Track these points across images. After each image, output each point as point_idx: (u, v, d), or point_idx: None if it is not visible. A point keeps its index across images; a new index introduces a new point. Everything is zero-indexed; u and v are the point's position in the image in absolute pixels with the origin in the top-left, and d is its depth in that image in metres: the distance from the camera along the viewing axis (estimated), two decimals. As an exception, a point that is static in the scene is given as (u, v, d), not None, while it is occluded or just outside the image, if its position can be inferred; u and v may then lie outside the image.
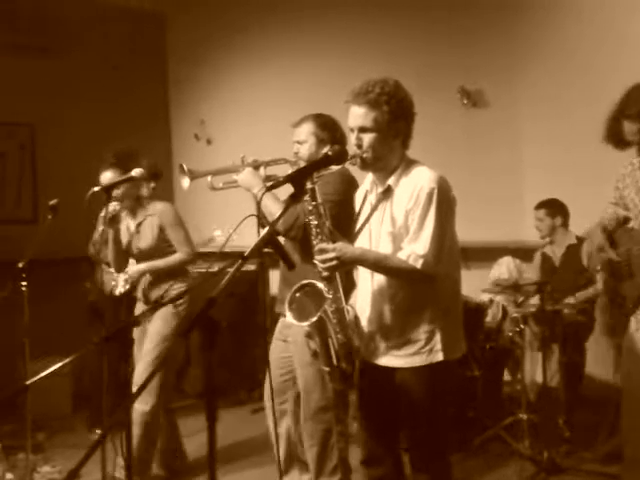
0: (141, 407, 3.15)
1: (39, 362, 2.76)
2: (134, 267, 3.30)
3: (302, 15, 5.29)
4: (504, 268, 4.51)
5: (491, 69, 4.79)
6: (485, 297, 4.25)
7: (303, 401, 2.78)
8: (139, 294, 3.35)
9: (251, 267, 4.64)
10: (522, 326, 3.72)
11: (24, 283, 3.12)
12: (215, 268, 2.58)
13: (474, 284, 4.15)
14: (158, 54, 5.85)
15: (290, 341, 2.80)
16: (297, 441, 2.94)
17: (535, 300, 3.78)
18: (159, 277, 3.32)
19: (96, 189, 2.80)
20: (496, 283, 4.16)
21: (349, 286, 2.23)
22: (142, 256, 3.33)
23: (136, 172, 2.95)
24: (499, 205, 4.78)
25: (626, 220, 2.53)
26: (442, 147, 4.65)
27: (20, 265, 3.08)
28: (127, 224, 3.38)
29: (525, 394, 3.64)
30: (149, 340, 3.20)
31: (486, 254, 4.61)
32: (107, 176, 3.27)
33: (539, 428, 3.51)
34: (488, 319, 4.14)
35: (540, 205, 4.22)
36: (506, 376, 4.20)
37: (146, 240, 3.31)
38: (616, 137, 2.45)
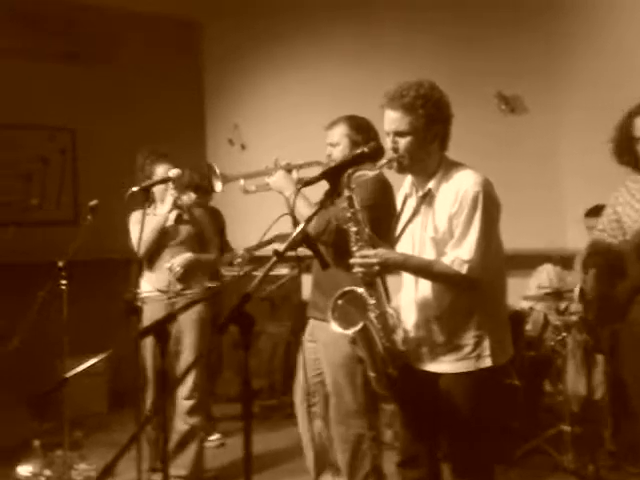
0: (193, 420, 3.24)
1: (77, 360, 2.78)
2: (183, 256, 3.31)
3: (335, 21, 5.30)
4: (544, 276, 4.41)
5: (530, 74, 4.71)
6: (525, 305, 4.15)
7: (333, 405, 2.73)
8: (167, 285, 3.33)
9: (283, 271, 4.62)
10: (564, 334, 3.61)
11: (64, 282, 3.17)
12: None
13: (514, 292, 4.08)
14: (194, 61, 5.92)
15: (319, 342, 2.77)
16: (328, 444, 2.87)
17: (578, 308, 3.67)
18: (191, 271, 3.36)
19: (135, 189, 2.83)
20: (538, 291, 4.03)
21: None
22: (180, 243, 3.36)
23: (173, 173, 2.98)
24: (538, 212, 4.69)
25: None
26: (479, 153, 4.54)
27: (60, 264, 3.12)
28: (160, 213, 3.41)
29: (568, 405, 3.53)
30: (187, 352, 3.27)
31: (526, 262, 4.51)
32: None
33: (583, 441, 3.40)
34: (529, 327, 4.04)
35: (596, 213, 4.02)
36: (548, 386, 4.08)
37: (187, 229, 3.38)
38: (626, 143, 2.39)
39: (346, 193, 2.02)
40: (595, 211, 4.02)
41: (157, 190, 3.35)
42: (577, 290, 3.67)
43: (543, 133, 4.74)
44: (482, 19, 4.81)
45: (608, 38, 4.39)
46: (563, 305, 3.94)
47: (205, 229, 3.50)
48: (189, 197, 3.57)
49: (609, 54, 4.37)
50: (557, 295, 3.66)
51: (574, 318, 3.70)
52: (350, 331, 2.01)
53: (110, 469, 1.33)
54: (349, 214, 2.04)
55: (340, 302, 2.05)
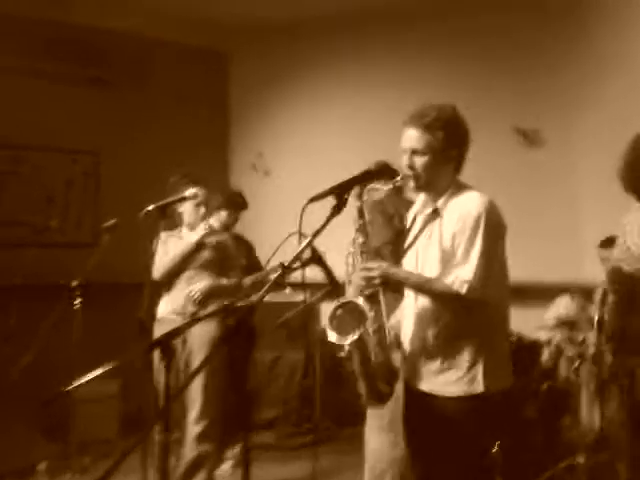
0: (202, 447, 3.19)
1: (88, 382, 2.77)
2: (201, 283, 3.32)
3: (359, 50, 5.40)
4: (561, 306, 4.34)
5: (547, 107, 4.75)
6: (543, 336, 4.09)
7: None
8: (182, 309, 3.34)
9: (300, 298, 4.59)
10: (577, 363, 3.55)
11: (77, 302, 3.19)
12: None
13: (532, 322, 4.02)
14: (220, 88, 6.04)
15: None
16: None
17: (594, 338, 3.59)
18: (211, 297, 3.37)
19: (150, 208, 2.86)
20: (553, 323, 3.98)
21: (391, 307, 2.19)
22: (200, 267, 3.37)
23: (189, 192, 3.04)
24: (556, 243, 4.67)
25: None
26: (498, 184, 4.51)
27: (73, 284, 3.15)
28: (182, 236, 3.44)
29: (583, 436, 3.45)
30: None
31: (543, 293, 4.46)
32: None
33: (598, 473, 3.30)
34: (545, 358, 3.97)
35: (609, 244, 3.95)
36: (567, 419, 3.99)
37: (207, 254, 3.40)
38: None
39: (357, 204, 2.05)
40: (609, 242, 3.97)
41: (186, 211, 3.38)
42: (595, 320, 3.62)
43: (560, 165, 4.74)
44: (500, 54, 4.88)
45: (623, 69, 4.42)
46: (580, 336, 3.88)
47: (229, 255, 3.49)
48: (219, 217, 3.59)
49: (625, 85, 4.38)
50: (571, 325, 3.60)
51: (590, 349, 3.63)
52: (346, 341, 1.98)
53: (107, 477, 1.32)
54: (357, 225, 2.06)
55: (339, 312, 2.04)
